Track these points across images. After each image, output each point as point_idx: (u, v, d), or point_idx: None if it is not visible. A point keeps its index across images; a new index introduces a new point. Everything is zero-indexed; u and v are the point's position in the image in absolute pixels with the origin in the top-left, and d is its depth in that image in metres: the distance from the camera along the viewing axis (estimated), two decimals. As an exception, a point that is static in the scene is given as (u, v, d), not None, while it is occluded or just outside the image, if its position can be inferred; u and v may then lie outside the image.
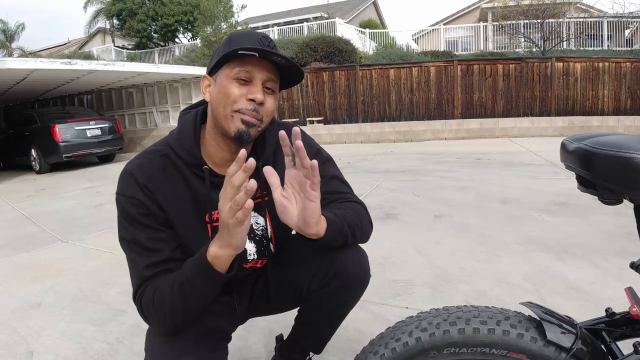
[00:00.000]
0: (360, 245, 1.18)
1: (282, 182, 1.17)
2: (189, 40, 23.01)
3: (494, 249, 2.85)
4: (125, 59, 21.92)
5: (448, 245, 2.99)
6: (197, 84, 11.18)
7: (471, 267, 2.55)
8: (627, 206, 3.27)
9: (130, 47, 24.34)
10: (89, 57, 20.30)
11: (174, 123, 11.59)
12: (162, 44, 23.47)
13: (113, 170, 8.33)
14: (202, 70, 10.83)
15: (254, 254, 1.22)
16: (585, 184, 0.82)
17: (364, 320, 1.95)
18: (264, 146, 1.15)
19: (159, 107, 12.01)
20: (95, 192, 6.09)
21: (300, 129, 1.21)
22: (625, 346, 0.89)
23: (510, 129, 10.70)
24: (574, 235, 3.06)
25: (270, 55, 1.00)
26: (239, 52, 0.98)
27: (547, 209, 3.79)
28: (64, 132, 8.75)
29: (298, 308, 1.36)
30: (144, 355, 1.10)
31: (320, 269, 1.15)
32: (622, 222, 3.29)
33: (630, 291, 0.91)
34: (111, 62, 10.00)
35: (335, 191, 1.18)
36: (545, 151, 7.59)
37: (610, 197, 0.78)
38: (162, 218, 1.06)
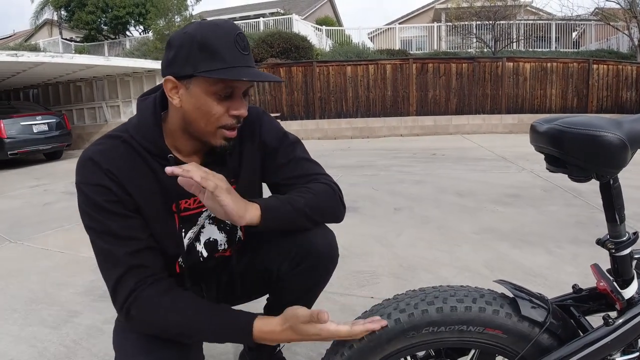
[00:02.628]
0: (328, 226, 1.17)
1: (249, 173, 1.15)
2: (140, 34, 22.28)
3: (453, 239, 2.93)
4: (74, 51, 20.96)
5: (409, 236, 3.04)
6: (149, 77, 10.84)
7: (432, 256, 2.61)
8: (576, 197, 3.44)
9: (78, 39, 23.31)
10: (35, 49, 19.26)
11: (125, 119, 11.10)
12: (112, 36, 22.62)
13: (61, 168, 7.97)
14: (155, 64, 10.50)
15: (224, 244, 1.20)
16: (555, 163, 0.84)
17: (331, 311, 1.92)
18: None
19: (109, 102, 11.56)
20: (42, 190, 5.80)
21: (264, 111, 1.20)
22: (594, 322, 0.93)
23: (463, 126, 11.03)
24: (528, 224, 3.19)
25: (264, 79, 1.00)
26: (233, 79, 0.95)
27: (500, 200, 3.94)
28: (9, 127, 8.25)
29: (267, 296, 1.34)
30: (115, 354, 1.04)
31: (290, 250, 1.14)
32: (573, 211, 3.46)
33: (596, 267, 0.95)
34: (59, 54, 9.53)
35: (304, 174, 1.16)
36: (497, 147, 7.87)
37: (579, 175, 0.81)
38: (132, 204, 1.00)
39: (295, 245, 1.13)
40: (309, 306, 1.27)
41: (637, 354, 0.93)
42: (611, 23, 14.48)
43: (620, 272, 0.89)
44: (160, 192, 1.03)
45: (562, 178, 4.29)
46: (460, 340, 0.86)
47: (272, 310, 1.33)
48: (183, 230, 1.11)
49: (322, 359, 0.96)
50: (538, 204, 3.74)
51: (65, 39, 23.03)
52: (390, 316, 0.85)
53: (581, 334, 0.88)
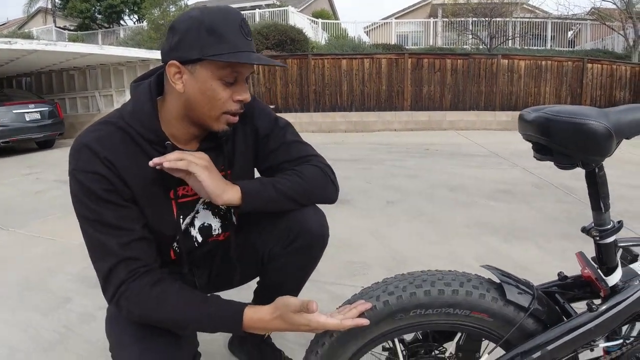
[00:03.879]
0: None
1: (242, 158, 1.16)
2: (134, 23, 22.11)
3: (445, 232, 2.95)
4: (67, 40, 20.73)
5: (401, 229, 3.07)
6: (143, 67, 10.73)
7: (424, 249, 2.64)
8: (567, 193, 3.46)
9: (72, 28, 23.09)
10: (28, 37, 19.06)
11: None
12: (106, 25, 22.42)
13: (53, 157, 7.92)
14: (149, 54, 10.42)
15: (218, 229, 1.21)
16: (542, 151, 0.86)
17: (322, 300, 1.97)
18: None
19: (102, 91, 11.43)
20: (34, 178, 5.77)
21: (254, 97, 1.21)
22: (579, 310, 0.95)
23: (457, 122, 11.05)
24: (519, 219, 3.22)
25: (270, 63, 1.02)
26: (242, 63, 0.96)
27: (492, 195, 3.97)
28: (1, 115, 8.15)
29: (257, 280, 1.36)
30: (109, 342, 1.05)
31: (281, 231, 1.16)
32: (563, 207, 3.50)
33: (581, 255, 0.97)
34: (53, 42, 9.37)
35: (295, 157, 1.17)
36: (490, 143, 7.91)
37: (565, 162, 0.83)
38: (128, 194, 0.99)
39: (286, 226, 1.15)
40: (299, 287, 1.29)
41: (620, 340, 0.96)
42: (607, 23, 14.57)
43: (605, 259, 0.92)
44: (158, 180, 1.02)
45: (554, 175, 4.33)
46: (447, 323, 0.88)
47: (263, 292, 1.34)
48: (181, 216, 1.11)
49: (312, 341, 0.97)
50: (529, 200, 3.78)
51: (59, 28, 22.80)
52: (379, 298, 0.87)
53: (565, 320, 0.90)
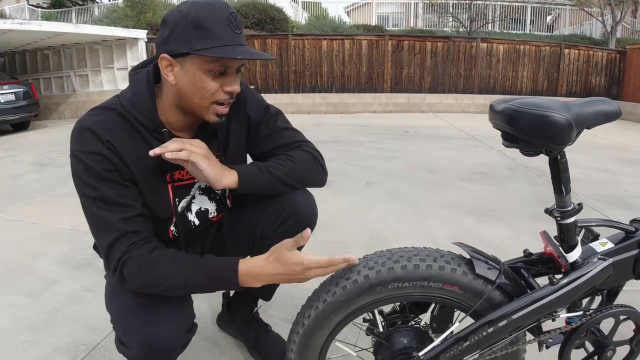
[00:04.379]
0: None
1: (236, 144, 1.22)
2: (109, 0, 21.47)
3: (422, 213, 3.06)
4: (40, 18, 20.05)
5: (380, 209, 3.16)
6: (119, 46, 10.52)
7: (402, 229, 2.74)
8: (539, 176, 3.59)
9: (45, 5, 22.26)
10: (1, 16, 18.38)
11: (93, 88, 10.88)
12: (80, 2, 21.71)
13: (29, 139, 7.75)
14: (125, 32, 10.18)
15: (214, 212, 1.27)
16: (509, 139, 0.94)
17: (304, 278, 2.05)
18: None
19: (77, 71, 11.15)
20: (11, 162, 5.66)
21: (246, 85, 1.26)
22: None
23: (436, 105, 11.19)
24: (493, 200, 3.35)
25: (257, 57, 1.03)
26: (227, 57, 0.98)
27: (468, 177, 4.09)
28: (-25, 98, 7.96)
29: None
30: (110, 316, 1.10)
31: (273, 211, 1.23)
32: (535, 189, 3.65)
33: (544, 234, 1.07)
34: (27, 22, 9.06)
35: (286, 143, 1.24)
36: (468, 126, 8.06)
37: (530, 150, 0.91)
38: (128, 174, 1.04)
39: (278, 207, 1.22)
40: None
41: (580, 312, 1.06)
42: (585, 9, 14.75)
43: (565, 238, 1.01)
44: (155, 164, 1.07)
45: (527, 158, 4.45)
46: (422, 295, 0.96)
47: None
48: (177, 199, 1.17)
49: (298, 313, 1.05)
50: (503, 182, 3.92)
51: (32, 5, 21.96)
52: (359, 273, 0.95)
53: (529, 292, 1.00)
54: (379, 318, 1.07)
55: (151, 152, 0.98)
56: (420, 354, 0.96)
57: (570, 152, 1.05)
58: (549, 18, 18.98)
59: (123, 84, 10.59)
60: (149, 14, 12.84)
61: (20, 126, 9.28)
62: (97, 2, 21.61)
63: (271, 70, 11.40)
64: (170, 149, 0.99)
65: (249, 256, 1.05)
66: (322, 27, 13.70)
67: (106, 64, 10.78)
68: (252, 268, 1.00)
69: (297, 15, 17.02)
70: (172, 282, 1.00)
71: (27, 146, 6.79)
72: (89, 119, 1.03)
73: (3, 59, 12.08)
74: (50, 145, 6.68)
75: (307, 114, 10.86)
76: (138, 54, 10.33)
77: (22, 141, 7.57)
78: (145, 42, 10.39)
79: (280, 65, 11.38)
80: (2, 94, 8.32)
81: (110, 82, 10.79)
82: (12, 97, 8.49)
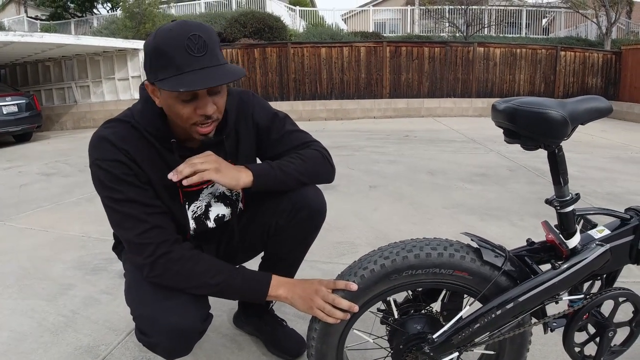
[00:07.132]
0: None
1: (246, 150, 1.30)
2: (108, 12, 21.60)
3: (425, 213, 3.14)
4: (39, 30, 20.19)
5: (384, 211, 3.24)
6: (120, 57, 10.64)
7: (406, 229, 2.81)
8: (538, 176, 3.67)
9: (44, 17, 22.45)
10: (0, 29, 18.52)
11: (95, 99, 10.98)
12: (79, 14, 21.87)
13: (32, 149, 7.83)
14: (126, 43, 10.31)
15: (228, 215, 1.36)
16: (511, 135, 1.02)
17: (315, 277, 2.10)
18: (225, 119, 1.22)
19: (78, 82, 11.26)
20: (17, 172, 5.73)
21: (253, 93, 1.35)
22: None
23: (434, 109, 11.30)
24: (494, 200, 3.43)
25: (213, 85, 0.99)
26: (181, 90, 0.97)
27: (469, 179, 4.17)
28: (-22, 109, 8.04)
29: (261, 256, 1.50)
30: (130, 308, 1.17)
31: (287, 205, 1.30)
32: (534, 189, 3.72)
33: (546, 223, 1.14)
34: (29, 34, 9.14)
35: (296, 145, 1.32)
36: (467, 129, 8.15)
37: (530, 145, 1.00)
38: (145, 177, 1.13)
39: (290, 202, 1.30)
40: (301, 258, 1.48)
41: (582, 295, 1.13)
42: (580, 11, 14.90)
43: (565, 226, 1.08)
44: (167, 169, 1.14)
45: (526, 159, 4.56)
46: (434, 281, 1.04)
47: (267, 263, 1.49)
48: (187, 203, 1.26)
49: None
50: (504, 182, 4.00)
51: (31, 17, 22.14)
52: (376, 262, 1.02)
53: (533, 277, 1.07)
54: (393, 307, 1.15)
55: (169, 176, 1.07)
56: (434, 336, 1.03)
57: (570, 152, 1.12)
58: (544, 21, 19.14)
59: (124, 94, 10.71)
60: (149, 24, 12.95)
61: (22, 137, 9.35)
62: (95, 13, 21.76)
63: (271, 78, 11.51)
64: (185, 174, 1.06)
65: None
66: (321, 34, 13.82)
67: (107, 75, 10.89)
68: (281, 279, 1.14)
69: (294, 23, 17.16)
70: (208, 279, 1.09)
71: (32, 157, 6.87)
72: (105, 130, 1.12)
73: (4, 71, 12.17)
74: (54, 155, 6.76)
75: (307, 121, 10.95)
76: (139, 65, 10.43)
77: (26, 152, 7.65)
78: (146, 53, 10.46)
79: (280, 73, 11.48)
80: (4, 105, 8.39)
81: (112, 92, 10.90)
82: (14, 109, 8.57)
